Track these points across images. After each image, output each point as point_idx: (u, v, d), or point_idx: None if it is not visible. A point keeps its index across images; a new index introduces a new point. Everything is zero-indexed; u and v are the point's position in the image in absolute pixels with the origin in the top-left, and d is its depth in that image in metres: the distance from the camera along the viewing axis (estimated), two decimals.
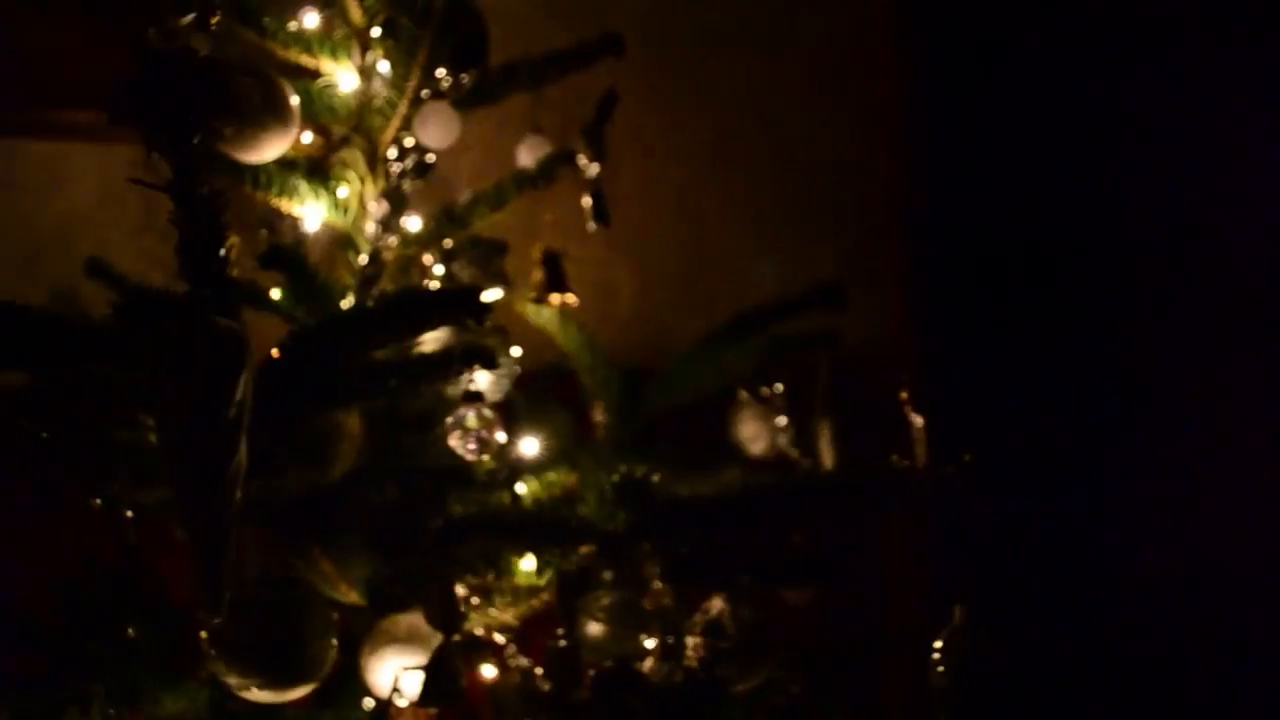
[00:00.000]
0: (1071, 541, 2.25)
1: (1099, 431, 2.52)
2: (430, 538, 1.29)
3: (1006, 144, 2.66)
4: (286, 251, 1.40)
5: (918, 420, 1.25)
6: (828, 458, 1.90)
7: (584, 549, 1.35)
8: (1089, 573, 2.40)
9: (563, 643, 1.33)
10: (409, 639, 1.52)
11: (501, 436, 1.26)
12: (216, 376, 0.99)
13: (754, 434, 1.89)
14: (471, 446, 1.23)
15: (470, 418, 1.23)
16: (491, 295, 1.41)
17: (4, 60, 2.05)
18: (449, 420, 1.25)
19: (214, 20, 1.05)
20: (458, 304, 1.13)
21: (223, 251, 1.09)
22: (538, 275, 1.61)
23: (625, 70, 1.75)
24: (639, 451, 1.67)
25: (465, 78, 1.61)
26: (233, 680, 1.33)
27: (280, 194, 1.58)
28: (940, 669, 1.20)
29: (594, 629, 1.54)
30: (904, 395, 1.27)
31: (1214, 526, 2.35)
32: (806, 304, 1.89)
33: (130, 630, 1.48)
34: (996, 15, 2.66)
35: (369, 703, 1.52)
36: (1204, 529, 2.43)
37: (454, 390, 1.39)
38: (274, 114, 1.41)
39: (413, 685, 1.48)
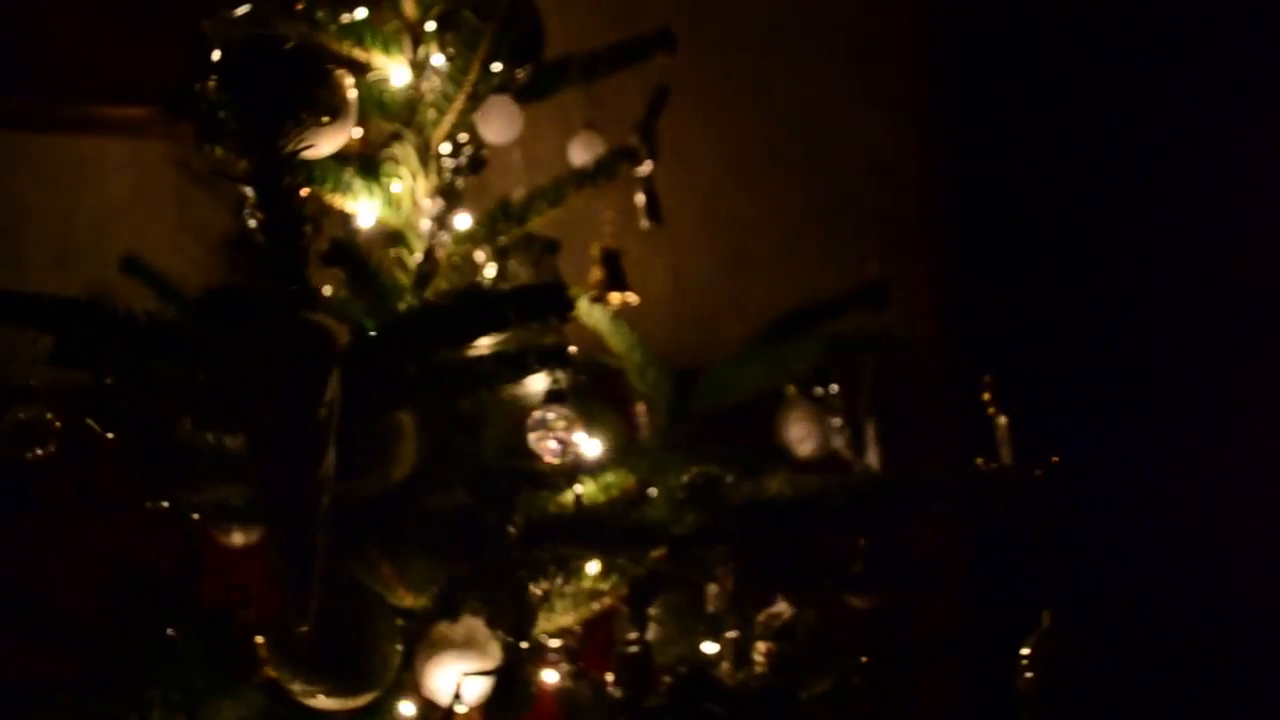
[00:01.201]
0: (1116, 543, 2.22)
1: (1137, 430, 2.50)
2: (502, 541, 1.26)
3: (1040, 143, 2.64)
4: (349, 247, 1.36)
5: (1002, 421, 1.22)
6: (873, 459, 1.89)
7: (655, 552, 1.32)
8: (1135, 577, 2.38)
9: (634, 648, 1.30)
10: (466, 644, 1.49)
11: (581, 438, 1.23)
12: (307, 375, 0.96)
13: (803, 435, 1.86)
14: (554, 447, 1.20)
15: (553, 418, 1.20)
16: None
17: (38, 55, 2.02)
18: (530, 420, 1.22)
19: (299, 4, 1.02)
20: (543, 300, 1.10)
21: (304, 247, 1.06)
22: (597, 273, 1.58)
23: (659, 72, 1.73)
24: (698, 452, 1.64)
25: (520, 72, 1.58)
26: (297, 687, 1.30)
27: (334, 190, 1.55)
28: (1028, 674, 1.18)
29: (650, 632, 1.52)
30: (986, 396, 1.24)
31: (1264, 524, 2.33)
32: (853, 303, 1.87)
33: (184, 635, 1.44)
34: (1029, 14, 2.64)
35: (407, 708, 1.48)
36: (1242, 528, 2.41)
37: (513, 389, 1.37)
38: (334, 107, 1.38)
39: (474, 691, 1.46)
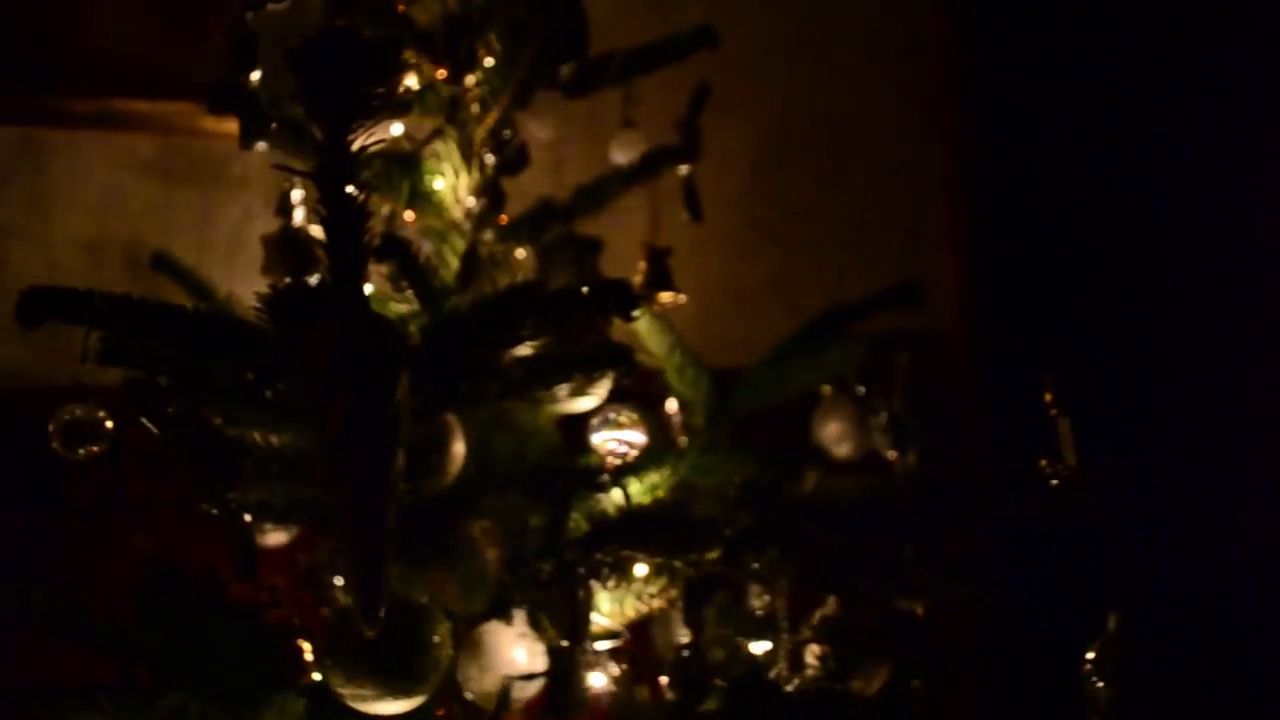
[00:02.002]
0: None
1: (1164, 429, 2.49)
2: (557, 542, 1.24)
3: (1068, 143, 2.63)
4: (401, 243, 1.34)
5: (1065, 422, 1.21)
6: (912, 458, 1.87)
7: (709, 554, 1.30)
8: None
9: (687, 652, 1.28)
10: (512, 646, 1.47)
11: (643, 437, 1.21)
12: (380, 375, 0.94)
13: (840, 435, 1.84)
14: (621, 448, 1.17)
15: (620, 417, 1.18)
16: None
17: (71, 51, 2.00)
18: (594, 420, 1.20)
19: None
20: (608, 298, 1.08)
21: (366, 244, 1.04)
22: (643, 272, 1.56)
23: (685, 71, 1.72)
24: (736, 453, 1.63)
25: (564, 70, 1.57)
26: (348, 691, 1.28)
27: (378, 186, 1.53)
28: (1095, 679, 1.16)
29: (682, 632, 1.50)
30: (1048, 396, 1.22)
31: None
32: (888, 302, 1.86)
33: (226, 639, 1.42)
34: (1054, 10, 2.63)
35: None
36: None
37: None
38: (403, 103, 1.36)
39: (522, 693, 1.44)
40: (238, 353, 1.11)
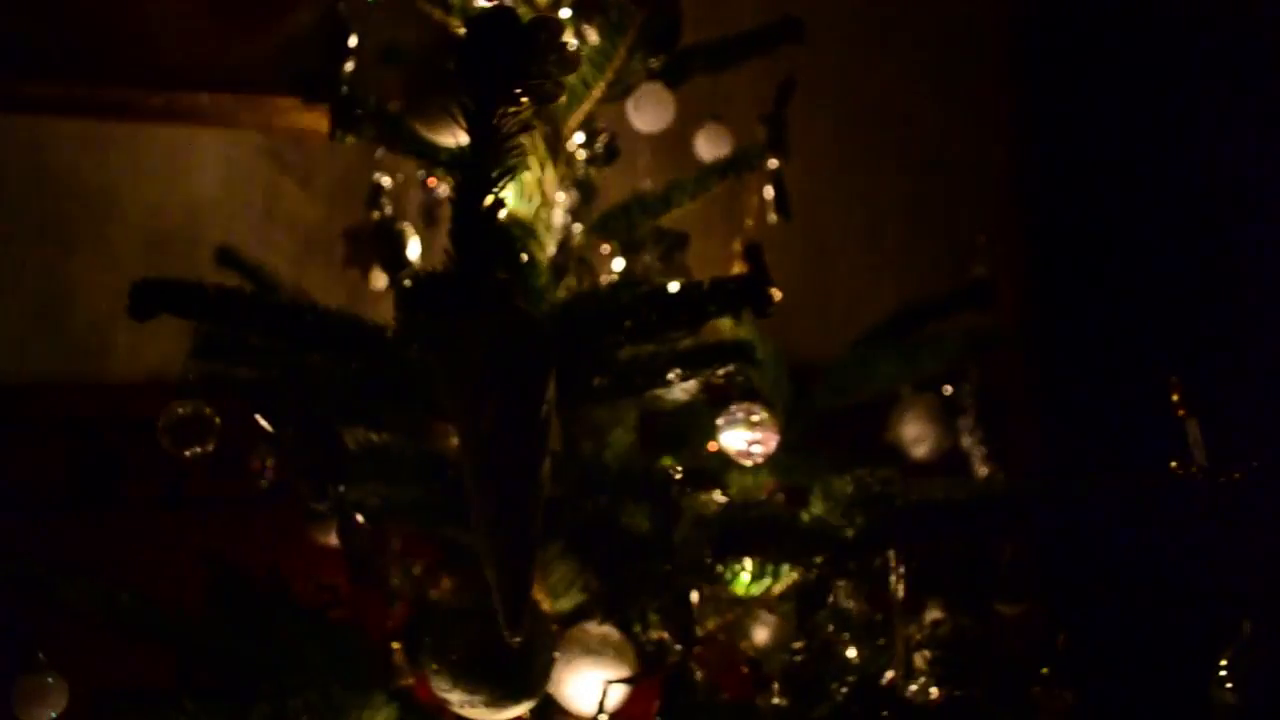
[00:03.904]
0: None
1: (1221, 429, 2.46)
2: (667, 544, 1.21)
3: (1122, 143, 2.61)
4: (504, 236, 1.31)
5: (1194, 423, 1.18)
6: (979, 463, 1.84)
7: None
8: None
9: (800, 657, 1.25)
10: (601, 649, 1.44)
11: (776, 436, 1.17)
12: (532, 371, 0.91)
13: (919, 435, 1.82)
14: (754, 448, 1.14)
15: (755, 416, 1.14)
16: None
17: (129, 42, 1.96)
18: (722, 419, 1.17)
19: None
20: (742, 294, 1.05)
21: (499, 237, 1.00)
22: (739, 268, 1.53)
23: (741, 73, 1.69)
24: (816, 452, 1.60)
25: (654, 61, 1.53)
26: (455, 697, 1.25)
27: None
28: (1228, 686, 1.13)
29: (761, 635, 1.47)
30: (1175, 397, 1.19)
31: None
32: (962, 302, 1.84)
33: (317, 643, 1.39)
34: (1112, 13, 2.60)
35: None
36: None
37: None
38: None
39: (616, 698, 1.41)
40: (352, 349, 1.08)
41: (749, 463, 1.15)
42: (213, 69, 1.98)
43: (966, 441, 1.70)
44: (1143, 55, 2.61)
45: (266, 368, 1.13)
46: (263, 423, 1.14)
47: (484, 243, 1.00)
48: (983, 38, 2.62)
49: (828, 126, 2.50)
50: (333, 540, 1.75)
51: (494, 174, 0.97)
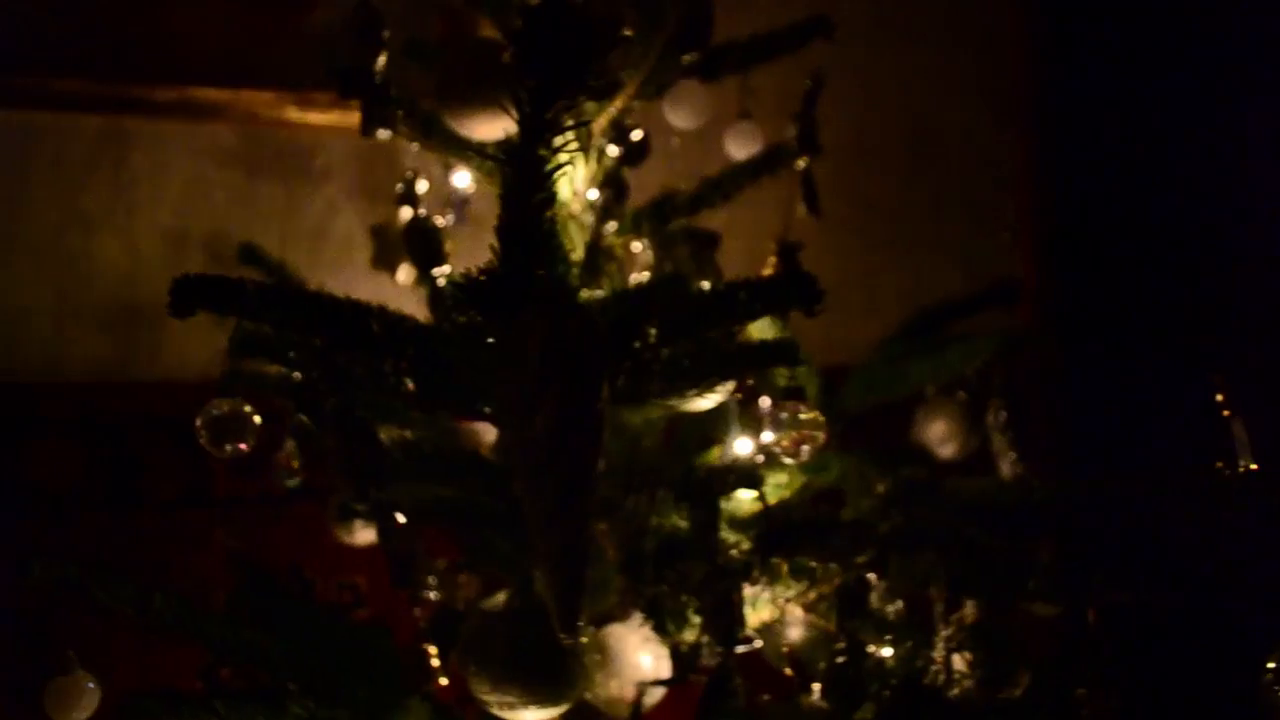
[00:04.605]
0: None
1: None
2: (711, 544, 1.20)
3: (1141, 139, 2.60)
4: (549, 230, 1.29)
5: (1239, 423, 1.17)
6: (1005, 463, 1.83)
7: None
8: None
9: (842, 658, 1.24)
10: (636, 651, 1.43)
11: (823, 435, 1.16)
12: (588, 368, 0.90)
13: (946, 435, 1.80)
14: (805, 446, 1.12)
15: (802, 415, 1.13)
16: None
17: (147, 39, 1.95)
18: (769, 417, 1.16)
19: None
20: (792, 291, 1.04)
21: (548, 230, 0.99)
22: (773, 268, 1.52)
23: (762, 70, 1.68)
24: (844, 452, 1.59)
25: (687, 58, 1.52)
26: (493, 699, 1.24)
27: (488, 175, 1.48)
28: (1277, 689, 1.12)
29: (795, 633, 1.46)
30: (1220, 396, 1.18)
31: None
32: (987, 302, 1.83)
33: (348, 645, 1.38)
34: (1134, 9, 2.59)
35: None
36: None
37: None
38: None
39: (651, 699, 1.40)
40: (394, 346, 1.07)
41: (793, 461, 1.14)
42: (234, 65, 1.96)
43: (998, 441, 1.68)
44: (1166, 49, 2.60)
45: (308, 366, 1.11)
46: (306, 422, 1.12)
47: (534, 238, 0.99)
48: (1002, 37, 2.61)
49: (848, 123, 2.49)
50: (357, 540, 1.74)
51: (547, 168, 0.96)
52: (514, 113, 0.92)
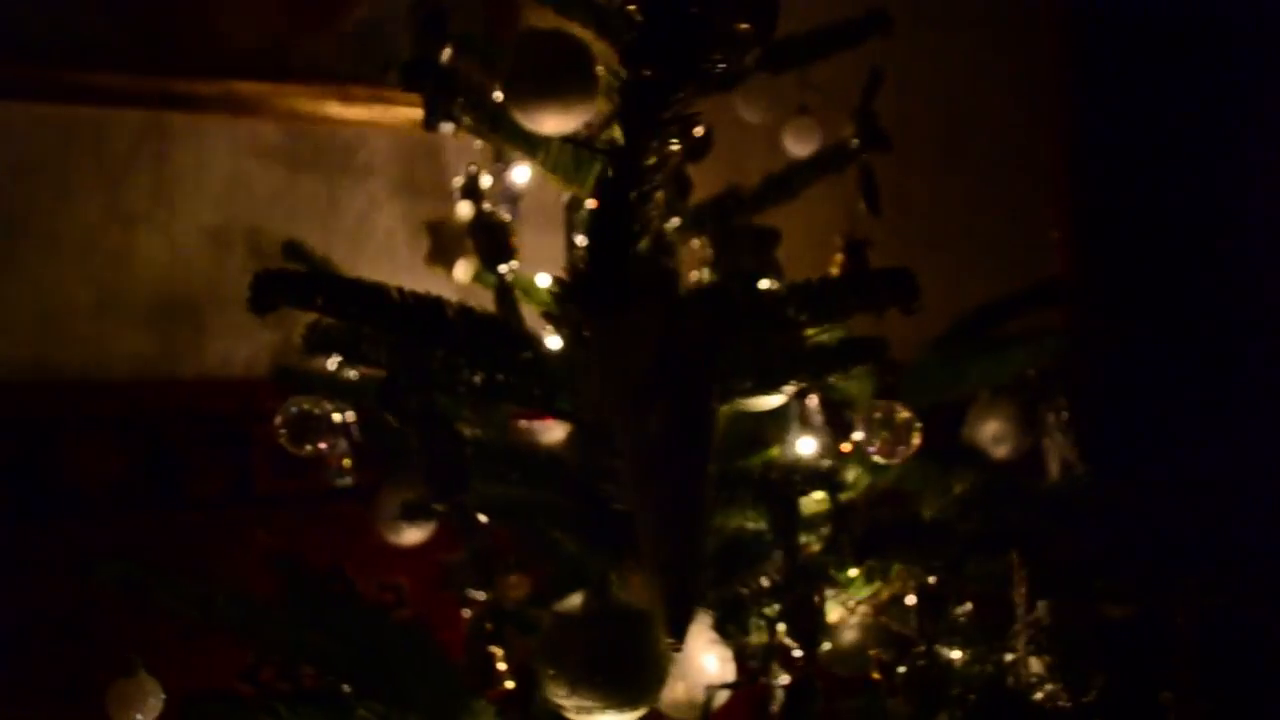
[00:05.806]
0: None
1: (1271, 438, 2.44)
2: (792, 545, 1.18)
3: (1176, 133, 2.59)
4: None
5: None
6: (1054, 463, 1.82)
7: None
8: None
9: (922, 662, 1.22)
10: (705, 654, 1.41)
11: (919, 437, 1.14)
12: (701, 367, 0.88)
13: (1000, 435, 1.79)
14: (899, 447, 1.11)
15: (897, 415, 1.11)
16: None
17: (189, 32, 1.92)
18: (860, 418, 1.14)
19: None
20: (889, 288, 1.02)
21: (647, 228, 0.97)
22: (840, 264, 1.50)
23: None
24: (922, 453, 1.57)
25: (749, 54, 1.50)
26: (570, 703, 1.22)
27: (554, 170, 1.46)
28: None
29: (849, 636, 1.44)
30: None
31: None
32: (1034, 301, 1.82)
33: (412, 648, 1.35)
34: (1169, 7, 2.58)
35: None
36: None
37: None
38: (582, 82, 1.29)
39: (719, 702, 1.38)
40: (481, 342, 1.05)
41: (886, 462, 1.12)
42: (276, 59, 1.94)
43: (1058, 441, 1.66)
44: (1204, 46, 2.58)
45: (391, 363, 1.09)
46: (390, 420, 1.10)
47: (630, 235, 0.97)
48: (1037, 31, 2.60)
49: (884, 120, 2.47)
50: (405, 540, 1.72)
51: (647, 165, 0.94)
52: (621, 106, 0.90)
